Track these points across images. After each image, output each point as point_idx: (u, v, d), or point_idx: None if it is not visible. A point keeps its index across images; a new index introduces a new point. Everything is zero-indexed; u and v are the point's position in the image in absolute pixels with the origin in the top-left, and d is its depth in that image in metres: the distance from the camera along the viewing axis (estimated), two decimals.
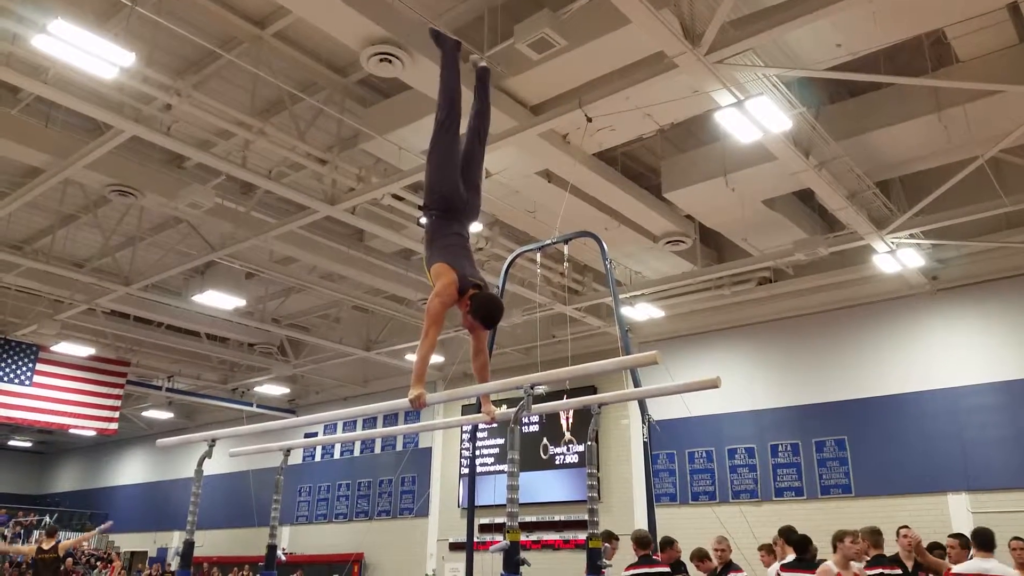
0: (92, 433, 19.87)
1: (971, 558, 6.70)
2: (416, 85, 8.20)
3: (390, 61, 7.49)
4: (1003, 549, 8.05)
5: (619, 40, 7.58)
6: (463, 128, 4.68)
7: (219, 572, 20.24)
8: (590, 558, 4.32)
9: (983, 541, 6.38)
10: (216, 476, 19.69)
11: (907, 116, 9.10)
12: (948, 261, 11.92)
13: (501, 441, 15.87)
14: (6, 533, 23.74)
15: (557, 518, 15.23)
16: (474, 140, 4.68)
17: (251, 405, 20.76)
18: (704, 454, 13.93)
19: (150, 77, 7.92)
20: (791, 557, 7.11)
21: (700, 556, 7.84)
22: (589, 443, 4.54)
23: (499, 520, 4.29)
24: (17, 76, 7.76)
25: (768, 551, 8.04)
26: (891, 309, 12.58)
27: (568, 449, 15.28)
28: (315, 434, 18.02)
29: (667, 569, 7.03)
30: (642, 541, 7.11)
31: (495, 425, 5.04)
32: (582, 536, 13.53)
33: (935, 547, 7.80)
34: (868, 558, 7.10)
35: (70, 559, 16.97)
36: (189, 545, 6.07)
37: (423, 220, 10.54)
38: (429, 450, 18.20)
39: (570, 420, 15.24)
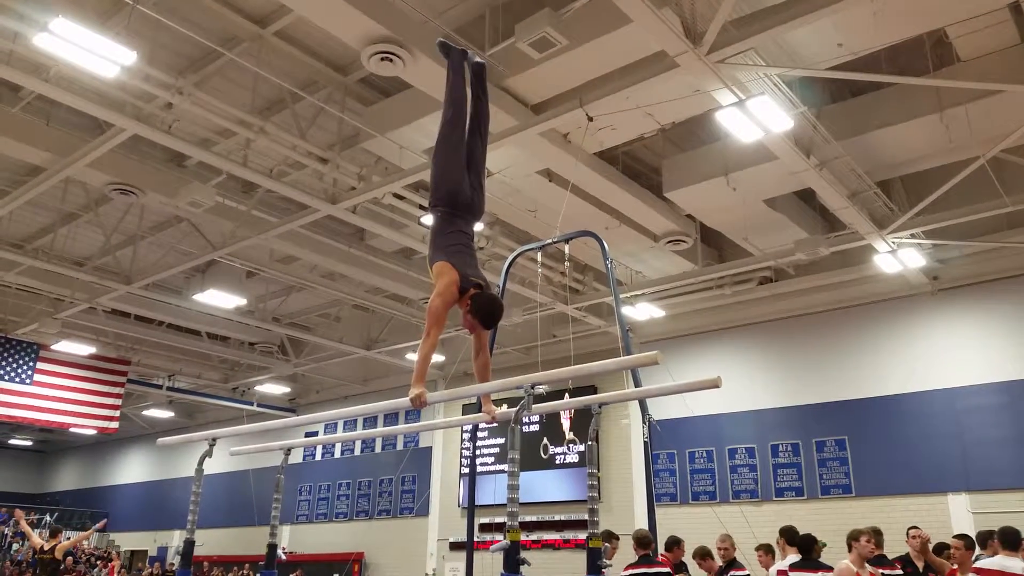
0: (92, 432, 19.88)
1: (977, 558, 6.71)
2: (417, 84, 8.20)
3: (391, 60, 7.48)
4: None
5: (620, 39, 7.58)
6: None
7: (220, 571, 20.26)
8: (590, 558, 4.32)
9: (1008, 540, 6.34)
10: (216, 475, 19.70)
11: (908, 116, 9.10)
12: (949, 261, 11.91)
13: (501, 441, 15.87)
14: (7, 531, 23.78)
15: (557, 518, 15.23)
16: (475, 138, 4.68)
17: (252, 404, 20.76)
18: (704, 454, 13.93)
19: (151, 75, 7.92)
20: (795, 557, 7.10)
21: (702, 554, 7.84)
22: (589, 443, 4.54)
23: (499, 520, 4.29)
24: (18, 74, 7.76)
25: (766, 551, 8.02)
26: (892, 309, 12.58)
27: (569, 449, 15.28)
28: (315, 433, 18.03)
29: (667, 570, 7.02)
30: (642, 541, 7.10)
31: (496, 425, 5.03)
32: (582, 536, 13.53)
33: (943, 548, 7.80)
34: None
35: (70, 558, 16.97)
36: (189, 544, 6.07)
37: (424, 219, 10.61)
38: (429, 449, 18.20)
39: (571, 420, 15.24)
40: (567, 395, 7.44)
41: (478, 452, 15.28)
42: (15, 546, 22.74)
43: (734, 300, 13.49)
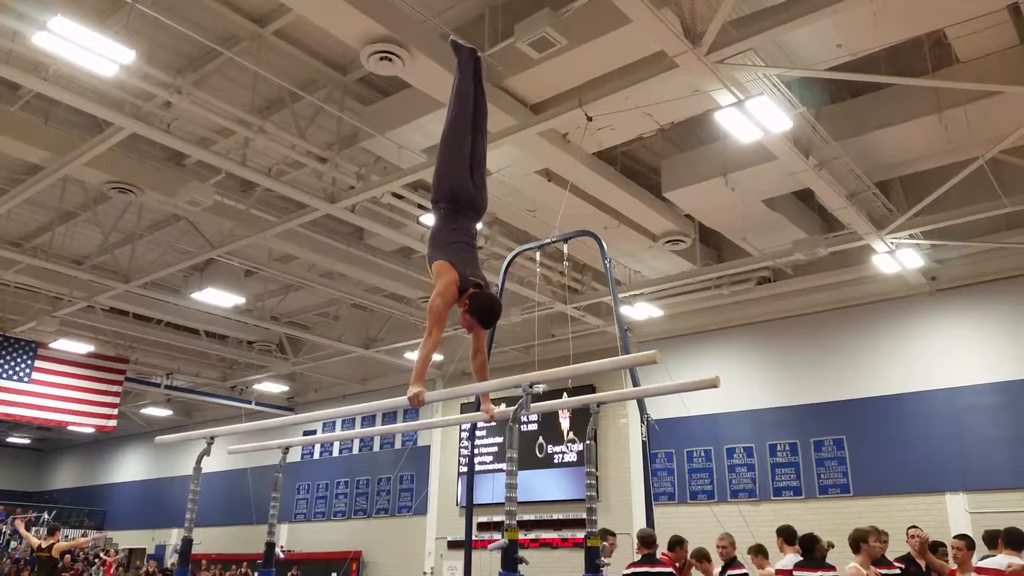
0: (91, 430, 19.85)
1: (983, 558, 6.71)
2: (416, 83, 8.20)
3: (390, 59, 7.48)
4: None
5: (619, 39, 7.58)
6: None
7: (220, 570, 20.25)
8: (588, 557, 4.32)
9: (1013, 540, 6.35)
10: (214, 473, 19.69)
11: (907, 116, 9.10)
12: (947, 261, 11.92)
13: (500, 439, 15.87)
14: (4, 530, 23.75)
15: (555, 517, 15.24)
16: (478, 135, 4.68)
17: (250, 403, 20.75)
18: (703, 453, 13.94)
19: (150, 74, 7.92)
20: (796, 557, 7.11)
21: (700, 556, 7.83)
22: (588, 442, 4.55)
23: (497, 518, 4.29)
24: (17, 73, 7.75)
25: (757, 552, 8.00)
26: (890, 309, 12.59)
27: (568, 448, 15.29)
28: (314, 432, 18.02)
29: (669, 570, 7.02)
30: (646, 540, 7.10)
31: (494, 424, 5.03)
32: (580, 535, 13.54)
33: (939, 545, 7.81)
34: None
35: (68, 556, 16.95)
36: (188, 542, 6.07)
37: (423, 219, 10.61)
38: (428, 448, 18.21)
39: (568, 419, 15.25)
40: (565, 394, 7.44)
41: (476, 451, 15.33)
42: (12, 544, 22.71)
43: (732, 300, 13.50)
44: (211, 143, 9.85)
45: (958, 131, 8.92)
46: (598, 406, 4.79)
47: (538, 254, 10.71)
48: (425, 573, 17.03)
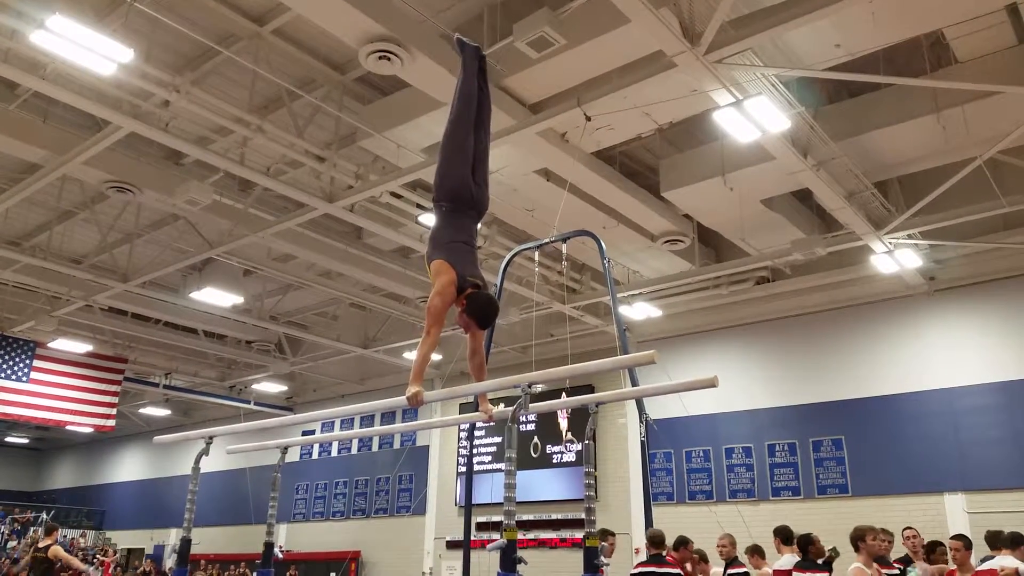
0: (89, 430, 19.84)
1: (984, 559, 6.72)
2: (415, 83, 8.20)
3: (389, 59, 7.47)
4: None
5: (618, 39, 7.58)
6: None
7: (218, 570, 20.23)
8: (587, 557, 4.32)
9: (1017, 542, 6.36)
10: (213, 473, 19.64)
11: (906, 117, 9.10)
12: (946, 262, 11.92)
13: (498, 439, 15.87)
14: (3, 529, 23.75)
15: (554, 516, 15.24)
16: (480, 132, 4.65)
17: (248, 403, 20.74)
18: (701, 453, 13.94)
19: (148, 73, 7.90)
20: (793, 557, 7.11)
21: (697, 557, 7.85)
22: (586, 442, 4.54)
23: (496, 518, 4.29)
24: (15, 72, 7.74)
25: (752, 552, 8.02)
26: (888, 309, 12.59)
27: (567, 448, 15.29)
28: (312, 432, 18.01)
29: (677, 570, 7.02)
30: (655, 540, 7.11)
31: (493, 424, 5.02)
32: (579, 535, 13.54)
33: (937, 545, 7.82)
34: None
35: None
36: (186, 542, 6.06)
37: (422, 218, 10.61)
38: (426, 448, 18.20)
39: (568, 419, 15.25)
40: (564, 394, 7.45)
41: (475, 451, 15.34)
42: (11, 543, 22.70)
43: (731, 300, 13.51)
44: (209, 142, 9.84)
45: (956, 131, 8.93)
46: (597, 406, 4.78)
47: (537, 254, 10.73)
48: (424, 573, 17.03)
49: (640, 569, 6.98)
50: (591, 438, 4.57)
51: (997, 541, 7.64)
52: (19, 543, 22.49)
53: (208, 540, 19.35)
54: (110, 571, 20.55)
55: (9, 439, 30.22)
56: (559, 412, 15.05)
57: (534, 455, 15.37)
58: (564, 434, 15.34)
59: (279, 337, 18.07)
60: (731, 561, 7.69)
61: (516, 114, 8.57)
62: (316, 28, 8.44)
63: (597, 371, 4.29)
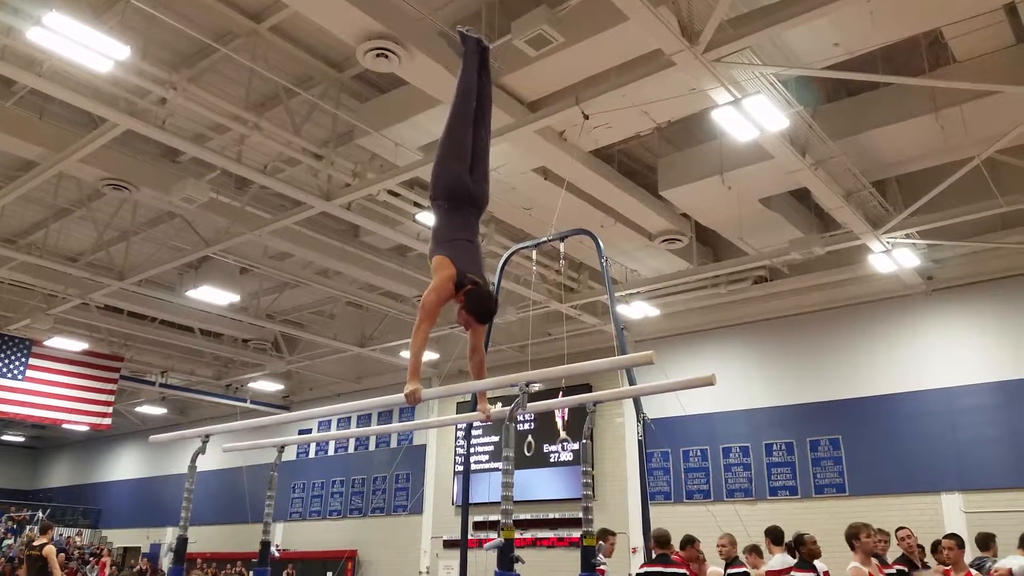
0: (85, 428, 19.83)
1: (978, 559, 6.72)
2: (413, 80, 8.18)
3: (387, 56, 7.45)
4: (1003, 548, 8.09)
5: (616, 37, 7.57)
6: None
7: (215, 569, 20.19)
8: (584, 556, 4.30)
9: None
10: (209, 472, 19.58)
11: (904, 116, 9.10)
12: (943, 261, 11.93)
13: (495, 439, 15.85)
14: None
15: (552, 516, 15.24)
16: (480, 125, 4.59)
17: (245, 401, 20.71)
18: (699, 453, 13.94)
19: (145, 71, 7.88)
20: (784, 556, 7.11)
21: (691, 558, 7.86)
22: (584, 441, 4.52)
23: (493, 518, 4.27)
24: (11, 69, 7.72)
25: (751, 551, 8.05)
26: (886, 309, 12.60)
27: (564, 447, 15.27)
28: (309, 430, 17.98)
29: (683, 571, 7.01)
30: (661, 540, 7.10)
31: (490, 423, 4.97)
32: (576, 534, 13.54)
33: (940, 544, 7.82)
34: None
35: (62, 555, 16.91)
36: (182, 541, 6.03)
37: (419, 217, 10.58)
38: (423, 447, 18.18)
39: (565, 418, 15.23)
40: (561, 394, 7.43)
41: (472, 450, 15.31)
42: (7, 542, 22.65)
43: (729, 299, 13.51)
44: (206, 140, 9.81)
45: (954, 131, 8.93)
46: (594, 405, 4.76)
47: (534, 252, 10.69)
48: (421, 572, 17.02)
49: (646, 569, 6.97)
50: (588, 437, 4.55)
51: (988, 542, 7.67)
52: (15, 541, 22.44)
53: (204, 539, 19.28)
54: (105, 571, 20.54)
55: (5, 437, 30.15)
56: (556, 411, 15.03)
57: (527, 454, 15.32)
58: (560, 433, 15.31)
59: (275, 335, 18.04)
60: (731, 561, 7.69)
61: (514, 112, 8.55)
62: (314, 25, 8.42)
63: (595, 371, 4.26)
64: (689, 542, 7.59)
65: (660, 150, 10.88)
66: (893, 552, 7.82)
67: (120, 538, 26.29)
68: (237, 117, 8.75)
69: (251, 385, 20.45)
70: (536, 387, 4.07)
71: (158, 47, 8.74)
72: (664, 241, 11.73)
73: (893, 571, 7.00)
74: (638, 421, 7.98)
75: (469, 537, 9.45)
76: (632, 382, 7.68)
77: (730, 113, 7.82)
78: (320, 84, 9.66)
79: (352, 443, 20.13)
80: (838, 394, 12.76)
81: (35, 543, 11.03)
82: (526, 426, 15.51)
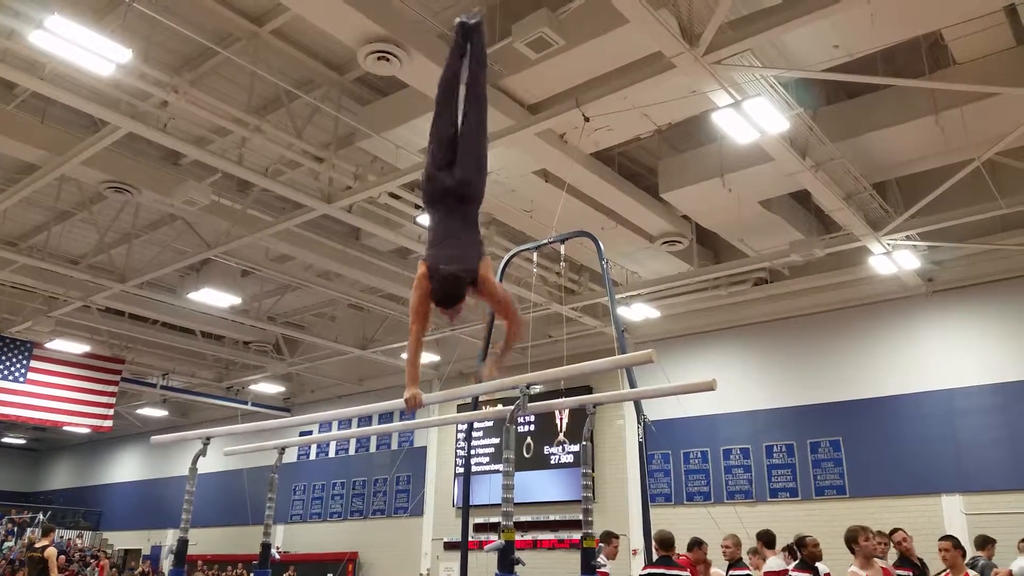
0: (86, 430, 19.83)
1: (973, 559, 6.71)
2: (413, 83, 8.19)
3: (388, 59, 7.47)
4: (1004, 550, 8.10)
5: (617, 40, 7.58)
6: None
7: (216, 571, 20.20)
8: (584, 558, 4.31)
9: None
10: (210, 474, 19.61)
11: (904, 118, 9.11)
12: (944, 263, 11.93)
13: (496, 441, 15.86)
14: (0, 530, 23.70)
15: (552, 518, 15.23)
16: (469, 108, 4.42)
17: (246, 403, 20.71)
18: (699, 454, 13.94)
19: (147, 74, 7.89)
20: (777, 559, 7.14)
21: (698, 560, 7.88)
22: (584, 443, 4.53)
23: (494, 519, 4.28)
24: (13, 72, 7.73)
25: (754, 554, 8.09)
26: (887, 310, 12.60)
27: (563, 449, 15.27)
28: (310, 432, 17.98)
29: (686, 573, 7.02)
30: (664, 542, 7.11)
31: (490, 423, 4.85)
32: (577, 536, 13.54)
33: None
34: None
35: (63, 557, 16.93)
36: (183, 543, 6.05)
37: (419, 219, 10.59)
38: (424, 449, 18.18)
39: (565, 420, 15.23)
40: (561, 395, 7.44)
41: (472, 452, 15.31)
42: (7, 544, 22.66)
43: (729, 301, 13.51)
44: (208, 143, 9.83)
45: (955, 132, 8.93)
46: (594, 407, 4.77)
47: (535, 255, 10.68)
48: (421, 574, 17.01)
49: (648, 571, 6.97)
50: (589, 439, 4.56)
51: (986, 544, 7.68)
52: (16, 544, 22.45)
53: (205, 541, 19.32)
54: (104, 574, 20.54)
55: (6, 439, 30.17)
56: (556, 413, 15.03)
57: (527, 455, 15.34)
58: (560, 435, 15.31)
59: (277, 338, 18.05)
60: (735, 562, 7.71)
61: (515, 115, 8.57)
62: (315, 28, 8.44)
63: (596, 371, 4.28)
64: (697, 544, 7.61)
65: (660, 152, 10.89)
66: (891, 555, 7.81)
67: (121, 540, 26.28)
68: (238, 120, 8.77)
69: (252, 387, 20.46)
70: (537, 389, 4.08)
71: (160, 50, 8.76)
72: (665, 243, 11.74)
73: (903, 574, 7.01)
74: (638, 423, 7.99)
75: (470, 539, 9.44)
76: (633, 385, 7.69)
77: (730, 115, 7.83)
78: (321, 87, 9.68)
79: (353, 445, 20.14)
80: (838, 396, 12.75)
81: (37, 545, 11.05)
82: (526, 428, 15.55)
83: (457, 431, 16.74)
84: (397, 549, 17.85)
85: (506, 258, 9.58)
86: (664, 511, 13.31)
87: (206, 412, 22.93)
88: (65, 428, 19.24)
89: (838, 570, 7.07)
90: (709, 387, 4.10)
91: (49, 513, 25.11)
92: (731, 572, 7.66)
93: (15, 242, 13.15)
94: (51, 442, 30.85)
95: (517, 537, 3.84)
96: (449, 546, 16.52)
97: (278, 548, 18.79)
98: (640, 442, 8.26)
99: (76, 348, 16.85)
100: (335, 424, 19.06)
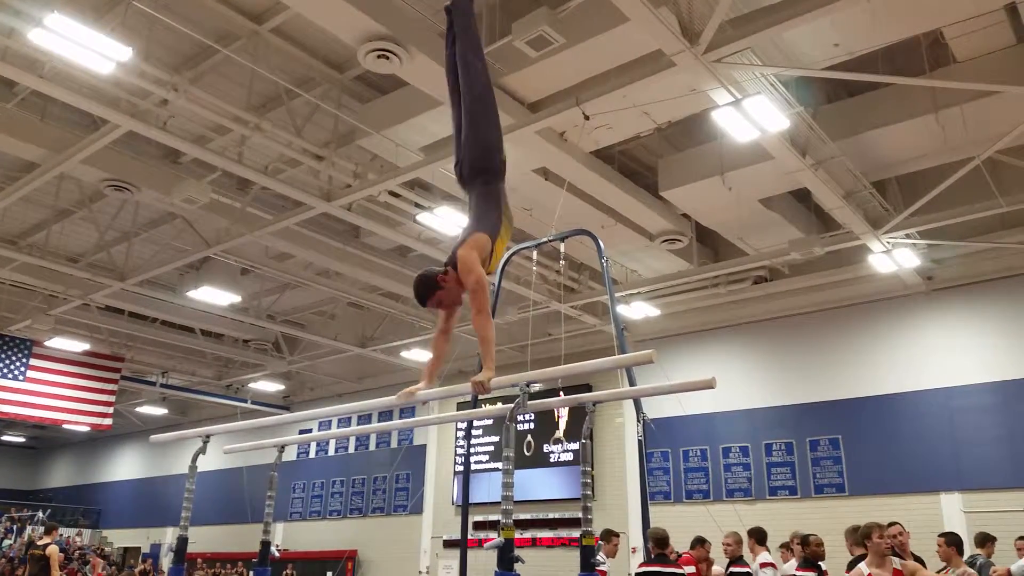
0: (86, 428, 19.83)
1: (972, 557, 6.72)
2: (414, 82, 8.18)
3: (388, 58, 7.46)
4: (1002, 548, 8.11)
5: (617, 38, 7.57)
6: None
7: (218, 569, 20.21)
8: (584, 556, 4.31)
9: None
10: (210, 472, 19.59)
11: (904, 116, 9.11)
12: (943, 261, 11.93)
13: (495, 439, 15.88)
14: None
15: (551, 516, 15.24)
16: (461, 89, 4.37)
17: (245, 401, 20.73)
18: (698, 452, 13.94)
19: (146, 72, 7.88)
20: (767, 555, 7.18)
21: (701, 558, 7.92)
22: (584, 441, 4.53)
23: (493, 517, 4.28)
24: (13, 70, 7.72)
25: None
26: (886, 309, 12.60)
27: (562, 446, 15.27)
28: (309, 430, 17.99)
29: (682, 570, 7.04)
30: (659, 540, 7.13)
31: (490, 423, 4.78)
32: (576, 534, 13.55)
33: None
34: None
35: (62, 555, 16.93)
36: (183, 541, 6.05)
37: (419, 217, 10.57)
38: (423, 447, 18.19)
39: (564, 418, 15.25)
40: (560, 394, 7.45)
41: (472, 450, 15.32)
42: (7, 542, 22.67)
43: (729, 299, 13.51)
44: (207, 141, 9.82)
45: (955, 131, 8.93)
46: (594, 405, 4.77)
47: (535, 253, 10.71)
48: (420, 572, 17.03)
49: (644, 569, 6.99)
50: (588, 437, 4.56)
51: (985, 541, 7.71)
52: (15, 541, 22.45)
53: (205, 539, 19.33)
54: (100, 571, 20.53)
55: (5, 437, 30.18)
56: (556, 411, 15.04)
57: (527, 453, 15.35)
58: (560, 433, 15.32)
59: (276, 336, 18.05)
60: (735, 560, 7.74)
61: (515, 113, 8.56)
62: (315, 27, 8.43)
63: (596, 370, 4.27)
64: (700, 542, 7.66)
65: (660, 151, 10.88)
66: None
67: (120, 538, 26.30)
68: (238, 118, 8.76)
69: (252, 385, 20.47)
70: (536, 387, 4.08)
71: (160, 48, 8.75)
72: (664, 241, 11.73)
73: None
74: (638, 421, 8.02)
75: (469, 537, 9.47)
76: (632, 383, 7.71)
77: (730, 114, 7.83)
78: (321, 85, 9.67)
79: (352, 443, 20.15)
80: (838, 394, 12.76)
81: (39, 542, 11.07)
82: (526, 426, 15.56)
83: (457, 429, 16.75)
84: (396, 547, 17.86)
85: (506, 256, 9.59)
86: (663, 509, 13.33)
87: (206, 410, 22.93)
88: (64, 426, 19.23)
89: (836, 568, 7.09)
90: (708, 385, 4.10)
91: (49, 511, 25.12)
92: (731, 569, 7.69)
93: (15, 240, 13.15)
94: (51, 440, 30.86)
95: (517, 535, 3.83)
96: (448, 544, 16.53)
97: (277, 546, 18.80)
98: (639, 440, 8.29)
99: (76, 346, 16.85)
100: (335, 422, 19.08)
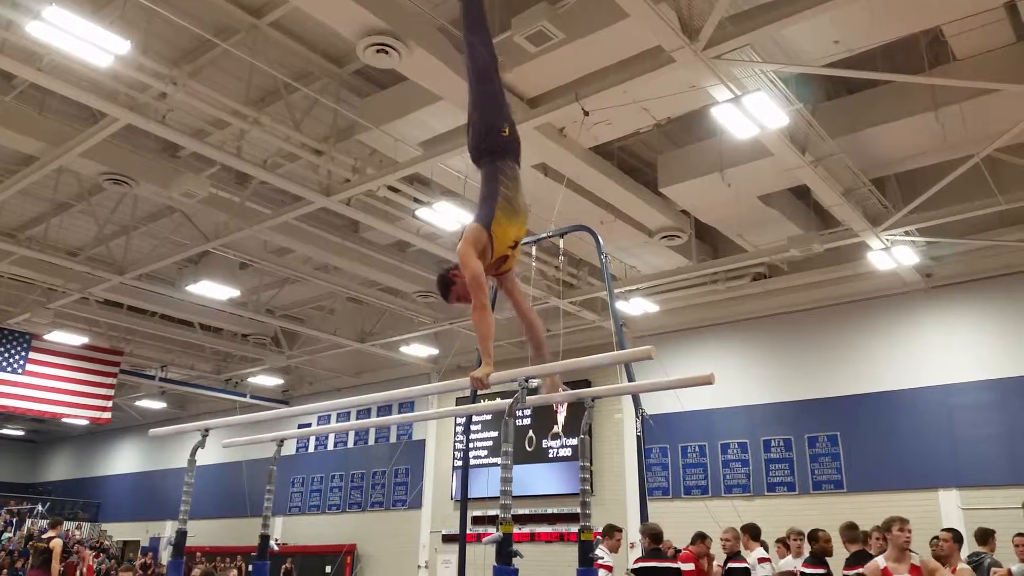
0: (85, 422, 19.83)
1: (974, 554, 6.75)
2: (413, 76, 8.17)
3: (387, 52, 7.45)
4: (1000, 545, 8.12)
5: (617, 34, 7.57)
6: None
7: (218, 562, 20.24)
8: (582, 550, 4.32)
9: None
10: (209, 466, 19.65)
11: (904, 114, 9.11)
12: (942, 259, 11.94)
13: (494, 434, 15.91)
14: None
15: (550, 511, 15.27)
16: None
17: (244, 396, 20.74)
18: (697, 448, 13.97)
19: (145, 65, 7.87)
20: (762, 551, 7.22)
21: (701, 554, 7.96)
22: (582, 437, 4.54)
23: (492, 512, 4.29)
24: (11, 63, 7.71)
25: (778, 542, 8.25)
26: (885, 306, 12.61)
27: (561, 442, 15.30)
28: (308, 425, 18.01)
29: (676, 565, 7.07)
30: (653, 535, 7.15)
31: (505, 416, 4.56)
32: (575, 529, 13.57)
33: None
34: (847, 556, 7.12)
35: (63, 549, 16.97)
36: (182, 535, 6.07)
37: (418, 212, 10.53)
38: (423, 442, 18.21)
39: (563, 414, 15.26)
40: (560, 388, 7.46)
41: (471, 445, 15.34)
42: (6, 535, 22.70)
43: (728, 296, 13.53)
44: (206, 135, 9.81)
45: (954, 128, 8.94)
46: (593, 401, 4.78)
47: (534, 248, 10.71)
48: (419, 566, 17.07)
49: (640, 564, 7.01)
50: (587, 433, 4.57)
51: (987, 537, 7.74)
52: (15, 534, 22.49)
53: (204, 533, 19.34)
54: (89, 563, 20.52)
55: (5, 431, 30.21)
56: (555, 407, 15.05)
57: (528, 449, 15.38)
58: (554, 427, 15.34)
59: (275, 330, 18.06)
60: (733, 555, 7.77)
61: (514, 108, 8.54)
62: (314, 21, 8.42)
63: (595, 366, 4.28)
64: (700, 538, 7.70)
65: (660, 147, 10.88)
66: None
67: (120, 532, 26.33)
68: (237, 112, 8.76)
69: (251, 380, 20.47)
70: (535, 383, 4.09)
71: (158, 42, 8.73)
72: (663, 238, 11.73)
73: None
74: (637, 417, 8.02)
75: (468, 531, 9.49)
76: (631, 379, 7.72)
77: (730, 110, 7.83)
78: (320, 79, 9.65)
79: (351, 438, 20.17)
80: (836, 391, 12.78)
81: (44, 535, 11.13)
82: (528, 420, 15.58)
83: (456, 424, 16.77)
84: (395, 541, 17.89)
85: None
86: (662, 505, 13.35)
87: (205, 404, 22.95)
88: (64, 420, 19.24)
89: (833, 564, 7.12)
90: (707, 381, 4.09)
91: (48, 504, 25.16)
92: (729, 564, 7.72)
93: (13, 233, 13.14)
94: (50, 433, 30.88)
95: (515, 530, 3.84)
96: (447, 539, 16.57)
97: (276, 540, 18.86)
98: (638, 436, 8.31)
99: (75, 340, 16.84)
100: (334, 416, 19.09)
